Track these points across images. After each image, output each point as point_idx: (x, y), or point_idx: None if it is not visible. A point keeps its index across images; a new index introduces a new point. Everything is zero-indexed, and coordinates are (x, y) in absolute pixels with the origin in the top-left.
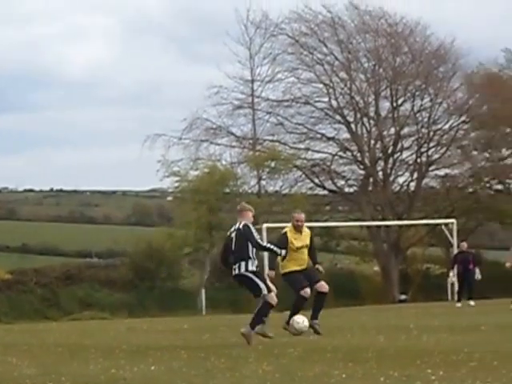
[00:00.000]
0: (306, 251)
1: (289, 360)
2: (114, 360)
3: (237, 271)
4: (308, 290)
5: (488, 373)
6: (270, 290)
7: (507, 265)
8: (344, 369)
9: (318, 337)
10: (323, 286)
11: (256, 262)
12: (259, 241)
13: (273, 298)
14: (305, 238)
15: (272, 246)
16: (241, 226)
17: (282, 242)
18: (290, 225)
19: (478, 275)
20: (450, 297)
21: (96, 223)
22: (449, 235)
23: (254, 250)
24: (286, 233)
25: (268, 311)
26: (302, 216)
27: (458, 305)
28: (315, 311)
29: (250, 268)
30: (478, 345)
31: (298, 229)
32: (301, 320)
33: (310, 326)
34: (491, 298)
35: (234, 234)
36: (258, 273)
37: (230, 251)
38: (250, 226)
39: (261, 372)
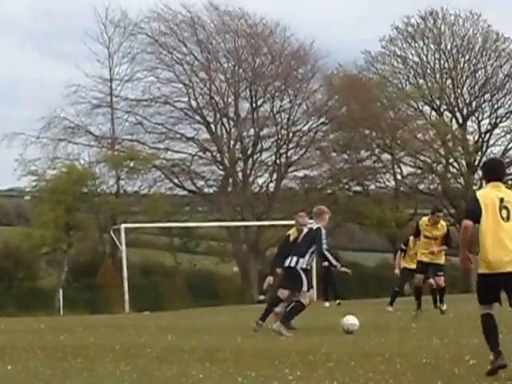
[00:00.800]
0: None
1: (146, 360)
2: None
3: (287, 263)
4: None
5: (345, 373)
6: (308, 290)
7: (396, 271)
8: (201, 369)
9: (176, 337)
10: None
11: (308, 262)
12: (323, 248)
13: (306, 299)
14: None
15: (331, 257)
16: (314, 227)
17: (284, 243)
18: (293, 229)
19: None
20: (324, 299)
21: None
22: None
23: (314, 253)
24: (289, 235)
25: (301, 311)
26: (306, 220)
27: (327, 304)
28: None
29: (301, 265)
30: (336, 345)
31: (300, 233)
32: (351, 319)
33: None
34: (349, 299)
35: (306, 230)
36: (307, 271)
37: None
38: (322, 230)
39: (118, 372)
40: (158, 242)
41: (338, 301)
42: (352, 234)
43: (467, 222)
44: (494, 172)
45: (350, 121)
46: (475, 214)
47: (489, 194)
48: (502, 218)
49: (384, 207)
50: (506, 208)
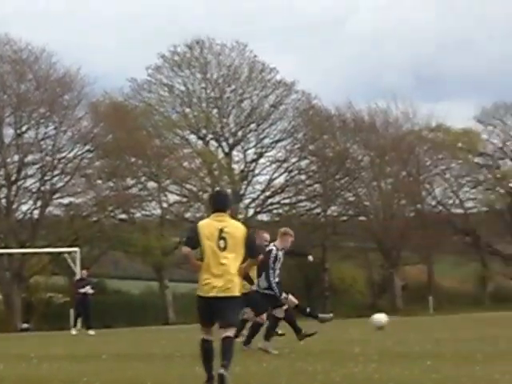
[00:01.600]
0: None
1: None
2: None
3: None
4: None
5: None
6: None
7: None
8: None
9: None
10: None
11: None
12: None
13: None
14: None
15: None
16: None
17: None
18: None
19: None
20: (72, 325)
21: None
22: (72, 264)
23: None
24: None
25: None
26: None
27: (74, 332)
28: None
29: None
30: (99, 373)
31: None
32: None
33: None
34: (113, 326)
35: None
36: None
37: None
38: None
39: None
40: None
41: (91, 331)
42: (117, 262)
43: (187, 249)
44: (217, 203)
45: (115, 148)
46: (193, 242)
47: (209, 225)
48: (219, 248)
49: (149, 235)
50: (224, 238)
